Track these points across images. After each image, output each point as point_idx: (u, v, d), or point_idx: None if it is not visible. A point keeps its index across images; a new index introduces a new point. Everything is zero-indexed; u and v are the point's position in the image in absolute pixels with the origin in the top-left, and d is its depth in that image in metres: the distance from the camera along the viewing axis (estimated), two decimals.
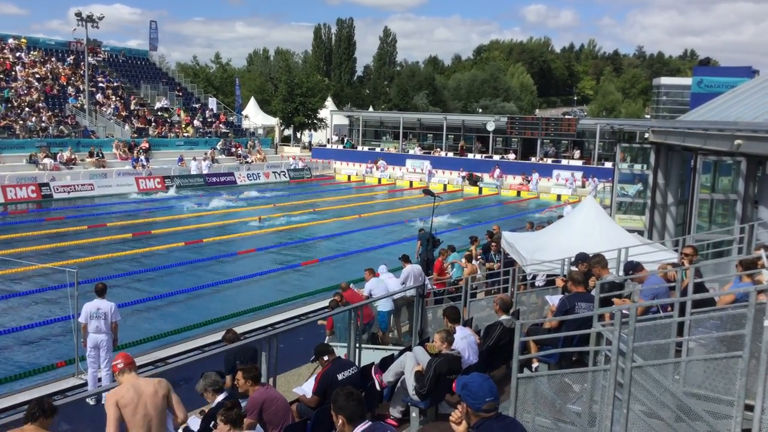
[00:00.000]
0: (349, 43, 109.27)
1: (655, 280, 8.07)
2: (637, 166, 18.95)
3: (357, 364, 8.75)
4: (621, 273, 9.22)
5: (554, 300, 9.20)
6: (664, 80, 77.55)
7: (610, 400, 5.17)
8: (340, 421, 4.59)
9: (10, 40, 47.69)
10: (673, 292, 7.67)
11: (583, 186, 41.29)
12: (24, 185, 32.81)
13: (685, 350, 6.34)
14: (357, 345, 9.38)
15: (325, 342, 10.72)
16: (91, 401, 10.43)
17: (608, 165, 39.16)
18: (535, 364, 8.23)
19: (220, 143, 47.01)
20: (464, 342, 8.34)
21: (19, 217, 29.28)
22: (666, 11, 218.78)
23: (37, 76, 44.86)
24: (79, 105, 43.67)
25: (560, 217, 22.97)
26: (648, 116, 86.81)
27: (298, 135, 66.18)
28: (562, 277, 11.05)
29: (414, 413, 7.73)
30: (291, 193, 40.09)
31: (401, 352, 8.68)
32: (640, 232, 16.52)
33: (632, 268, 8.37)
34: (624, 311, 5.36)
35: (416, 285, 12.37)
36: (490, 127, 48.36)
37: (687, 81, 59.69)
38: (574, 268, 9.66)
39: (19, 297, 16.87)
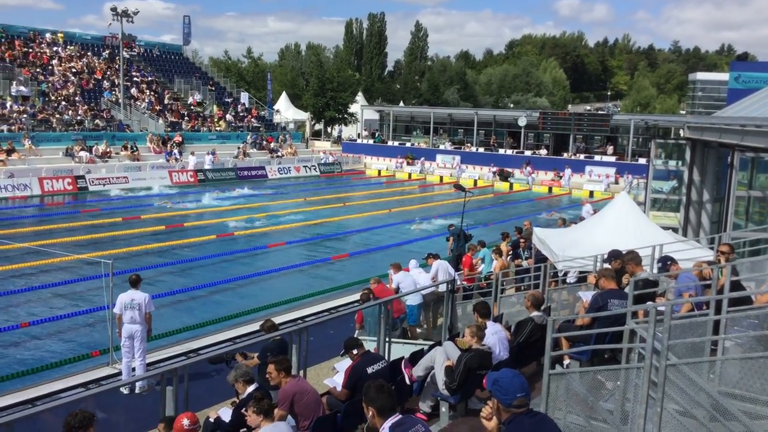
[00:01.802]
0: (380, 38, 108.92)
1: (687, 278, 7.95)
2: (672, 163, 18.72)
3: (386, 358, 8.76)
4: (656, 270, 9.11)
5: (586, 296, 9.11)
6: (700, 75, 76.45)
7: (643, 398, 5.10)
8: (371, 413, 4.61)
9: (48, 35, 48.49)
10: (709, 290, 7.55)
11: (617, 182, 40.80)
12: (60, 177, 33.48)
13: (721, 349, 6.24)
14: (387, 339, 9.38)
15: (355, 335, 10.76)
16: (124, 390, 10.65)
17: (642, 161, 38.65)
18: (566, 361, 8.17)
19: (249, 137, 47.39)
20: (495, 337, 8.28)
21: (55, 209, 29.97)
22: (702, 5, 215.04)
23: (74, 70, 45.61)
24: (114, 99, 44.32)
25: (595, 212, 22.62)
26: (683, 112, 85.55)
27: (329, 129, 66.39)
28: (595, 273, 10.94)
29: (444, 408, 7.72)
30: (320, 188, 40.24)
31: (431, 347, 8.66)
32: (675, 230, 16.30)
33: (668, 260, 8.28)
34: (659, 308, 5.29)
35: (446, 280, 12.34)
36: (522, 122, 48.00)
37: (724, 76, 58.73)
38: (607, 265, 9.55)
39: (55, 287, 17.19)
